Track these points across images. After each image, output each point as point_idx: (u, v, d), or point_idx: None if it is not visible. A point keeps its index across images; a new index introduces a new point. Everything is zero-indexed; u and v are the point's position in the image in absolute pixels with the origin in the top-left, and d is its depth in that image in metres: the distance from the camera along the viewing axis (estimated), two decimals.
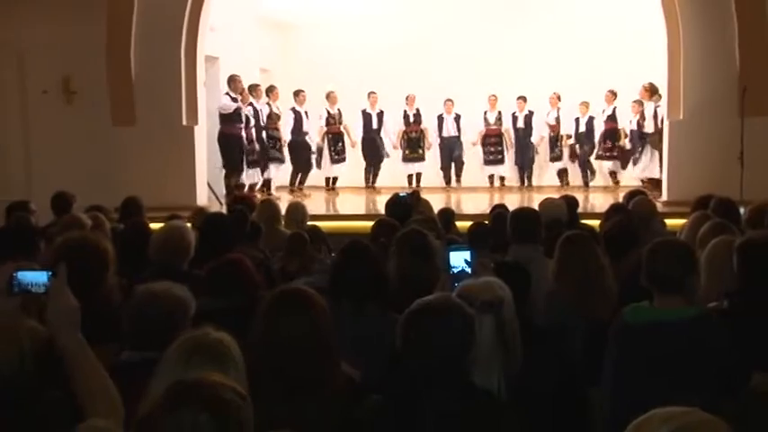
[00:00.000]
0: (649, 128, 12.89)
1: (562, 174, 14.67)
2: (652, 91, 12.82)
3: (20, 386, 2.37)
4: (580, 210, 8.19)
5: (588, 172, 14.30)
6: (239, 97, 12.28)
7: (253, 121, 12.64)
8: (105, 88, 11.12)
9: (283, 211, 7.53)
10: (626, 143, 13.78)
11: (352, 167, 14.26)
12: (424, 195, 8.77)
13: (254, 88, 12.89)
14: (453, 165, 14.65)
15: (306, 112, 13.54)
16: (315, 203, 12.31)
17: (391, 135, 14.37)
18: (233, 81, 12.25)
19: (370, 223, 6.15)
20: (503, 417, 2.60)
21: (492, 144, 14.63)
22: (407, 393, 2.59)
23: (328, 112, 13.87)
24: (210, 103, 12.18)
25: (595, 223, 6.98)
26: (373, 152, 14.20)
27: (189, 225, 5.26)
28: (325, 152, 13.89)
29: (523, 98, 14.45)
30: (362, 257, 3.89)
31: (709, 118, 10.67)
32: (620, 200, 8.21)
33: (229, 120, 12.13)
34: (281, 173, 13.58)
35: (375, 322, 3.64)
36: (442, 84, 14.50)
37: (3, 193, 10.14)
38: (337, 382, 2.70)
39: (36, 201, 7.32)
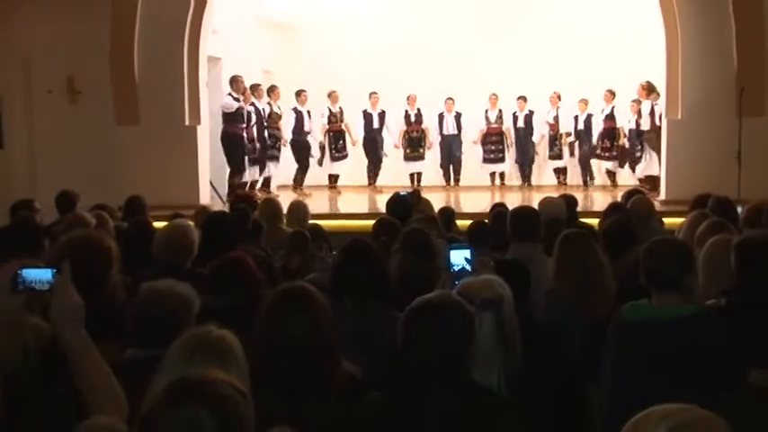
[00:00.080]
0: (645, 125, 12.92)
1: (560, 172, 14.71)
2: (650, 89, 12.84)
3: (24, 383, 2.38)
4: (579, 208, 8.21)
5: (588, 175, 14.32)
6: (241, 97, 12.32)
7: (254, 119, 12.68)
8: (109, 88, 11.17)
9: (285, 210, 7.54)
10: (625, 142, 13.80)
11: (354, 167, 14.29)
12: (424, 194, 8.78)
13: (255, 88, 12.93)
14: (452, 165, 14.69)
15: (308, 112, 13.59)
16: (317, 202, 12.32)
17: (393, 135, 14.41)
18: (235, 81, 12.29)
19: (372, 222, 6.16)
20: (503, 414, 2.61)
21: (493, 143, 14.68)
22: (408, 391, 2.60)
23: (330, 111, 13.91)
24: (213, 104, 12.21)
25: (594, 222, 6.99)
26: (375, 151, 14.25)
27: (192, 224, 5.26)
28: (327, 150, 13.95)
29: (523, 98, 14.49)
30: (364, 256, 3.89)
31: (707, 118, 10.70)
32: (619, 199, 8.22)
33: (232, 119, 12.16)
34: (279, 172, 13.62)
35: (376, 320, 3.64)
36: (443, 84, 14.51)
37: (7, 192, 10.20)
38: (338, 379, 2.71)
39: (40, 199, 7.33)
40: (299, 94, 13.57)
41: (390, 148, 14.44)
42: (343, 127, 14.05)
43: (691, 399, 1.77)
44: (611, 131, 13.89)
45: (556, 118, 14.42)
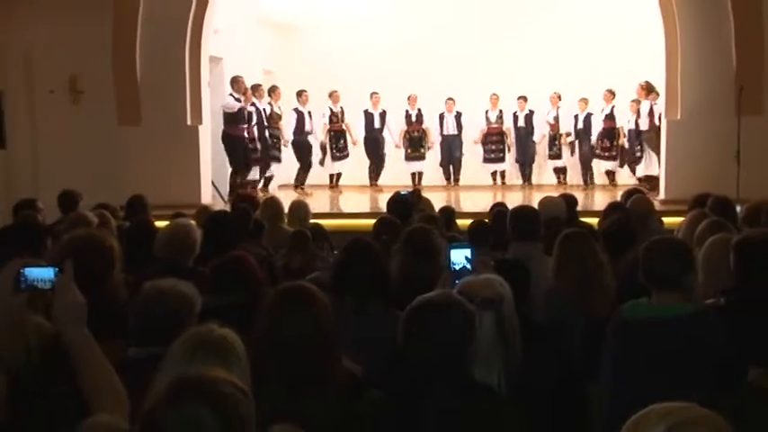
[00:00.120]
0: (644, 126, 12.93)
1: (560, 172, 14.72)
2: (648, 89, 12.87)
3: (27, 381, 2.37)
4: (579, 208, 8.23)
5: (588, 175, 14.32)
6: (242, 97, 12.34)
7: (255, 119, 12.70)
8: (111, 88, 11.19)
9: (286, 210, 7.56)
10: (624, 142, 13.81)
11: (355, 166, 14.31)
12: (425, 194, 8.82)
13: (256, 88, 12.96)
14: (452, 165, 14.71)
15: (309, 112, 13.60)
16: (318, 201, 12.35)
17: (394, 135, 14.42)
18: (236, 82, 12.32)
19: (373, 221, 6.17)
20: (503, 412, 2.62)
21: (493, 142, 14.72)
22: (409, 389, 2.61)
23: (331, 110, 13.94)
24: (215, 104, 12.24)
25: (594, 221, 7.01)
26: (376, 151, 14.26)
27: (194, 223, 5.28)
28: (328, 149, 13.98)
29: (524, 98, 14.53)
30: (365, 255, 3.90)
31: (707, 117, 10.73)
32: (618, 198, 8.24)
33: (233, 120, 12.19)
34: (281, 171, 13.64)
35: (377, 319, 3.65)
36: (443, 84, 14.54)
37: (10, 192, 10.23)
38: (339, 377, 2.72)
39: (43, 199, 7.35)
40: (300, 94, 13.59)
41: (391, 147, 14.45)
42: (343, 127, 14.07)
43: (690, 397, 1.77)
44: (610, 131, 13.91)
45: (556, 118, 14.45)
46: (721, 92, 10.64)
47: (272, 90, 13.44)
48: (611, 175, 14.24)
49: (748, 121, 10.14)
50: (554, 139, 14.57)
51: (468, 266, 3.64)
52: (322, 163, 14.04)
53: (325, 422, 2.57)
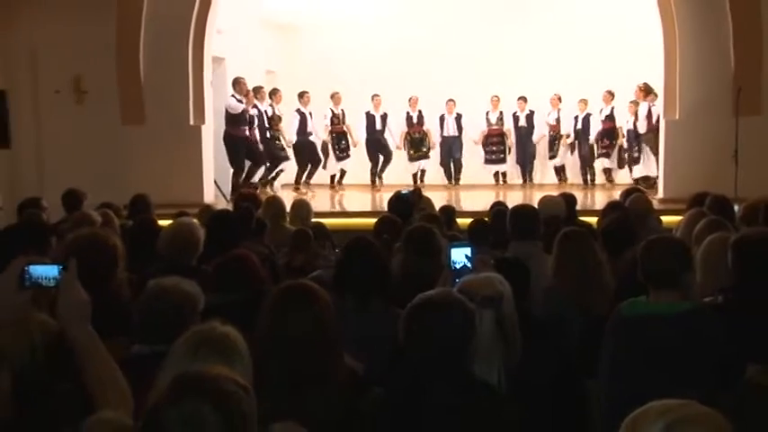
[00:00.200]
0: (642, 128, 12.94)
1: (560, 171, 14.72)
2: (647, 91, 12.89)
3: (31, 378, 2.37)
4: (579, 207, 8.25)
5: (588, 175, 14.31)
6: (244, 99, 12.37)
7: (257, 122, 12.73)
8: (115, 88, 11.21)
9: (288, 209, 7.59)
10: (623, 143, 13.81)
11: (357, 166, 14.33)
12: (426, 193, 8.83)
13: (257, 90, 12.99)
14: (452, 165, 14.72)
15: (310, 113, 13.61)
16: (320, 201, 12.37)
17: (395, 136, 14.42)
18: (237, 83, 12.35)
19: (374, 220, 6.20)
20: (503, 409, 2.64)
21: (494, 143, 14.71)
22: (409, 387, 2.63)
23: (333, 112, 13.95)
24: (217, 103, 12.26)
25: (593, 220, 7.03)
26: (378, 151, 14.25)
27: (197, 222, 5.30)
28: (330, 150, 14.00)
29: (524, 98, 14.53)
30: (366, 253, 3.92)
31: (705, 117, 10.76)
32: (617, 197, 8.25)
33: (235, 121, 12.22)
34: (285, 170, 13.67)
35: (378, 317, 3.66)
36: (444, 85, 14.53)
37: (15, 191, 10.26)
38: (341, 375, 2.73)
39: (47, 198, 7.38)
40: (301, 95, 13.59)
41: (392, 149, 14.45)
42: (344, 128, 14.09)
43: (689, 394, 1.78)
44: (610, 131, 13.90)
45: (557, 119, 14.45)
46: (719, 92, 10.66)
47: (273, 93, 13.45)
48: (608, 172, 14.22)
49: (746, 122, 10.16)
50: (554, 140, 14.57)
51: (469, 265, 3.65)
52: (324, 165, 14.05)
53: (326, 420, 2.58)
